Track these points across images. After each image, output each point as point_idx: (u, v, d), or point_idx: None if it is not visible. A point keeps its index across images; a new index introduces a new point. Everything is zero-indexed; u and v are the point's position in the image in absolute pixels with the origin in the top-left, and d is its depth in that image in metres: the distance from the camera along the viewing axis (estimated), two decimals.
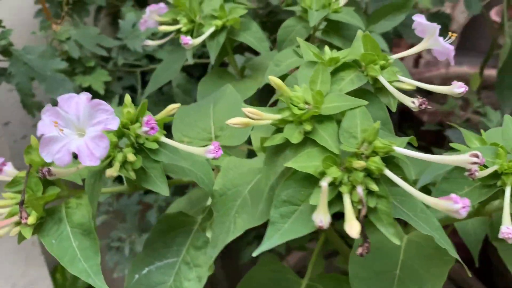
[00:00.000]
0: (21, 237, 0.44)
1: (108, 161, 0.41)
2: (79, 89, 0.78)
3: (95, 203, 0.44)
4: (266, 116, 0.38)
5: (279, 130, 0.39)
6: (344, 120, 0.38)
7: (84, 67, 0.82)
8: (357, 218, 0.34)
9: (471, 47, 1.28)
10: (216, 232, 0.47)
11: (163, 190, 0.42)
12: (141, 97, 0.93)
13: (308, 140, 0.38)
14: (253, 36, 0.66)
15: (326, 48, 0.48)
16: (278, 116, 0.38)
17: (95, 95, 0.88)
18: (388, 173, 0.35)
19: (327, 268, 0.92)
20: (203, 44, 0.65)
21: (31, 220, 0.44)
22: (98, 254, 0.44)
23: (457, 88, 0.40)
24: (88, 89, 0.81)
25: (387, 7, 0.73)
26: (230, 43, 0.71)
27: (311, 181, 0.37)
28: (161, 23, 0.80)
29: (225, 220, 0.47)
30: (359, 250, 0.35)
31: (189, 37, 0.61)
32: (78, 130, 0.36)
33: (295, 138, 0.37)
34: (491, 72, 1.12)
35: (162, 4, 0.79)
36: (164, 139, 0.43)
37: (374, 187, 0.35)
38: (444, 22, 1.06)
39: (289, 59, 0.65)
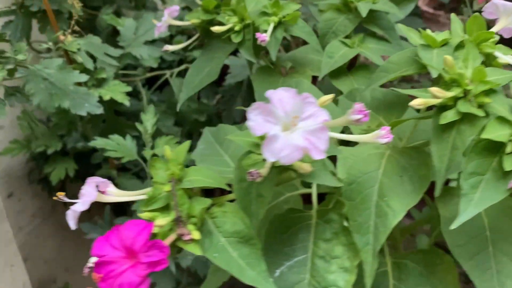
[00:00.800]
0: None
1: None
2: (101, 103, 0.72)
3: (260, 206, 0.42)
4: (442, 95, 0.39)
5: (442, 108, 0.41)
6: None
7: (96, 79, 0.76)
8: None
9: None
10: (361, 219, 0.47)
11: (332, 181, 0.42)
12: (148, 105, 0.89)
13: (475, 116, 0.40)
14: (303, 30, 0.67)
15: (427, 31, 0.51)
16: (450, 94, 0.40)
17: (120, 105, 0.82)
18: None
19: None
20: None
21: (196, 235, 0.40)
22: (261, 260, 0.42)
23: None
24: (112, 102, 0.75)
25: None
26: None
27: (491, 151, 0.40)
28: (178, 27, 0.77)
29: (367, 207, 0.48)
30: None
31: (265, 34, 0.60)
32: (284, 126, 0.35)
33: (477, 111, 0.39)
34: None
35: (176, 7, 0.76)
36: None
37: None
38: None
39: (340, 50, 0.67)
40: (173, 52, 0.99)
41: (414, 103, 0.39)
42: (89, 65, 0.73)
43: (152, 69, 0.92)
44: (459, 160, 0.40)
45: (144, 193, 0.45)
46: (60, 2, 0.79)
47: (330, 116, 0.34)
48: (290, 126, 0.35)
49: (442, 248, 0.63)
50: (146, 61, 0.91)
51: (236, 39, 0.65)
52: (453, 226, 0.39)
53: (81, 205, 0.42)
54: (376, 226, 0.46)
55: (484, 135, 0.38)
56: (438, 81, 0.46)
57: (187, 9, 1.12)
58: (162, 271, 0.81)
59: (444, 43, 0.49)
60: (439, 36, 0.49)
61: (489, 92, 0.40)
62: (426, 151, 0.50)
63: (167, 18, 0.77)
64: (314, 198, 0.55)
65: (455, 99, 0.40)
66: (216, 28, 0.64)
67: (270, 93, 0.34)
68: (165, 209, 0.43)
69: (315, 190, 0.55)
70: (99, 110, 0.70)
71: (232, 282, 0.57)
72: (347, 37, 0.69)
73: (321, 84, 0.73)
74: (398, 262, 0.62)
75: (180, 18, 0.79)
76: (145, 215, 0.42)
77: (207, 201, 0.42)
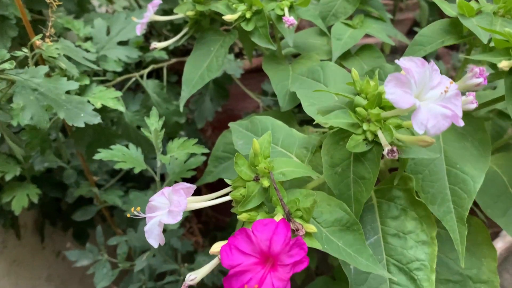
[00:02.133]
0: None
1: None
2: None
3: (365, 188, 0.40)
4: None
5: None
6: None
7: (79, 86, 0.67)
8: None
9: None
10: (434, 190, 0.48)
11: (428, 154, 0.41)
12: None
13: None
14: (310, 14, 0.65)
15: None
16: None
17: (109, 113, 0.74)
18: None
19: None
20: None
21: (312, 228, 0.37)
22: (365, 245, 0.41)
23: None
24: (103, 109, 0.67)
25: None
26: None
27: None
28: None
29: (438, 177, 0.48)
30: None
31: (292, 17, 0.57)
32: (416, 96, 0.33)
33: None
34: None
35: (158, 1, 0.71)
36: None
37: None
38: None
39: (346, 32, 0.67)
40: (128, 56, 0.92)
41: (502, 65, 0.40)
42: (74, 71, 0.65)
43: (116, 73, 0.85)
44: None
45: (226, 193, 0.41)
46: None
47: None
48: (420, 95, 0.33)
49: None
50: (109, 65, 0.83)
51: (248, 27, 0.61)
52: None
53: (171, 217, 0.37)
54: (454, 194, 0.47)
55: None
56: (483, 48, 0.48)
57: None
58: (175, 287, 0.75)
59: (478, 12, 0.51)
60: (473, 5, 0.51)
61: None
62: (474, 116, 0.52)
63: (151, 13, 0.71)
64: None
65: None
66: (228, 17, 0.60)
67: (402, 63, 0.32)
68: (259, 207, 0.40)
69: None
70: (96, 120, 0.62)
71: None
72: (347, 19, 0.69)
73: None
74: None
75: None
76: (243, 216, 0.38)
77: (312, 193, 0.39)
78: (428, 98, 0.33)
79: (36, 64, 0.65)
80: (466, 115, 0.52)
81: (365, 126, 0.38)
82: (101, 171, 0.90)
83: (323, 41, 0.71)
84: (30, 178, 0.86)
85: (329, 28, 0.69)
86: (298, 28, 0.76)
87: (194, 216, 1.17)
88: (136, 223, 0.87)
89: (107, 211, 0.89)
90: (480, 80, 0.38)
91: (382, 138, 0.37)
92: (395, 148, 0.35)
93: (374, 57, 0.68)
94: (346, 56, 0.68)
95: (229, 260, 0.32)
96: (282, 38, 0.71)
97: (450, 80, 0.34)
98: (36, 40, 0.63)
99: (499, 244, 1.15)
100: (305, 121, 0.81)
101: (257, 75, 1.05)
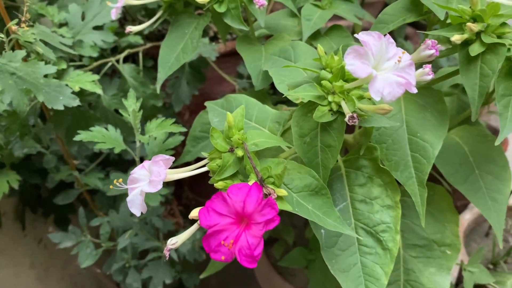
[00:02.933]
0: None
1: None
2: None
3: (331, 155, 0.43)
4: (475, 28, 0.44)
5: (465, 44, 0.47)
6: None
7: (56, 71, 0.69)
8: None
9: None
10: (397, 157, 0.51)
11: (388, 122, 0.45)
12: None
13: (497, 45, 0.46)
14: None
15: None
16: (477, 28, 0.45)
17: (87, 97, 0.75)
18: None
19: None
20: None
21: (283, 192, 0.41)
22: (333, 208, 0.44)
23: None
24: (81, 93, 0.69)
25: None
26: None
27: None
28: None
29: (400, 146, 0.52)
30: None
31: None
32: (373, 67, 0.36)
33: (501, 41, 0.45)
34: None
35: None
36: None
37: None
38: None
39: (316, 12, 0.70)
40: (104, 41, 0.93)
41: (455, 38, 0.44)
42: (51, 55, 0.66)
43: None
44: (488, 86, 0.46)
45: (203, 165, 0.44)
46: None
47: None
48: (378, 66, 0.36)
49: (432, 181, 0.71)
50: (85, 50, 0.84)
51: (220, 9, 0.64)
52: (497, 142, 0.45)
53: (151, 186, 0.39)
54: (415, 160, 0.50)
55: None
56: (441, 24, 0.52)
57: None
58: (158, 263, 0.78)
59: None
60: None
61: (504, 24, 0.46)
62: (434, 89, 0.55)
63: None
64: None
65: (477, 34, 0.46)
66: (201, 0, 0.63)
67: (360, 37, 0.35)
68: (234, 176, 0.43)
69: None
70: (75, 102, 0.64)
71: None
72: (316, 0, 0.72)
73: None
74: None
75: None
76: (219, 184, 0.41)
77: (282, 161, 0.42)
78: (384, 69, 0.37)
79: (13, 49, 0.66)
80: (427, 88, 0.56)
81: (330, 98, 0.41)
82: (80, 156, 0.91)
83: (294, 22, 0.74)
84: (9, 165, 0.87)
85: (299, 9, 0.72)
86: (271, 11, 0.78)
87: (175, 199, 1.19)
88: (118, 205, 0.89)
89: (88, 195, 0.91)
90: (432, 51, 0.42)
91: (345, 108, 0.40)
92: (355, 115, 0.39)
93: (343, 36, 0.71)
94: (316, 36, 0.71)
95: (207, 221, 0.35)
96: (255, 20, 0.73)
97: (403, 51, 0.37)
98: (12, 25, 0.64)
99: (467, 216, 1.21)
100: (280, 102, 0.85)
101: (233, 58, 1.07)
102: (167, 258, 0.40)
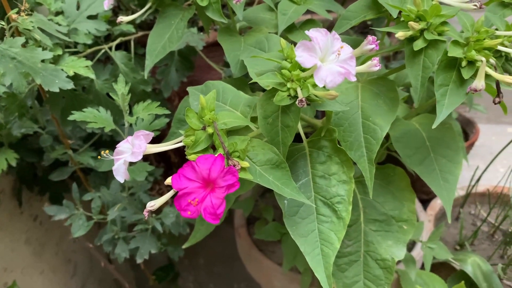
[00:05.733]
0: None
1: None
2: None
3: (289, 134, 0.50)
4: (416, 27, 0.51)
5: (410, 40, 0.54)
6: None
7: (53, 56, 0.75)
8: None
9: None
10: (352, 138, 0.59)
11: (340, 107, 0.51)
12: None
13: (438, 41, 0.53)
14: None
15: None
16: (419, 26, 0.52)
17: (82, 80, 0.82)
18: None
19: None
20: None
21: (246, 164, 0.48)
22: (291, 179, 0.51)
23: None
24: (76, 77, 0.75)
25: None
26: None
27: (451, 66, 0.53)
28: None
29: (355, 128, 0.59)
30: (496, 100, 0.53)
31: None
32: (320, 59, 0.43)
33: (440, 38, 0.52)
34: None
35: None
36: None
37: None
38: None
39: (291, 7, 0.76)
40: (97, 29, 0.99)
41: (399, 35, 0.51)
42: (48, 42, 0.73)
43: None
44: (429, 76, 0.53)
45: (179, 141, 0.51)
46: None
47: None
48: (324, 58, 0.43)
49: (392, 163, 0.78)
50: (80, 37, 0.90)
51: (202, 2, 0.70)
52: (434, 125, 0.52)
53: (133, 157, 0.46)
54: (367, 141, 0.58)
55: (449, 54, 0.50)
56: (396, 21, 0.58)
57: None
58: (144, 235, 0.85)
59: None
60: None
61: (444, 23, 0.53)
62: (388, 79, 0.63)
63: None
64: (302, 134, 0.65)
65: (421, 31, 0.53)
66: None
67: (309, 33, 0.42)
68: (206, 150, 0.50)
69: (301, 128, 0.65)
70: (69, 85, 0.71)
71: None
72: None
73: None
74: (361, 180, 0.76)
75: None
76: (192, 157, 0.48)
77: (247, 138, 0.49)
78: (329, 60, 0.43)
79: (13, 36, 0.72)
80: (383, 78, 0.63)
81: (289, 85, 0.48)
82: (75, 137, 0.98)
83: (272, 15, 0.80)
84: (8, 144, 0.93)
85: (277, 4, 0.79)
86: (259, 2, 0.85)
87: (164, 179, 1.26)
88: (109, 183, 0.96)
89: (82, 173, 0.97)
90: (372, 46, 0.49)
91: (300, 94, 0.47)
92: (303, 99, 0.46)
93: None
94: (291, 29, 0.77)
95: (178, 184, 0.42)
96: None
97: (342, 45, 0.44)
98: (12, 14, 0.70)
99: (439, 201, 1.29)
100: (258, 89, 0.91)
101: (220, 48, 1.13)
102: (146, 218, 0.47)
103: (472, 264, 1.00)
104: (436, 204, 1.28)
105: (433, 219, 1.22)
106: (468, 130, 1.44)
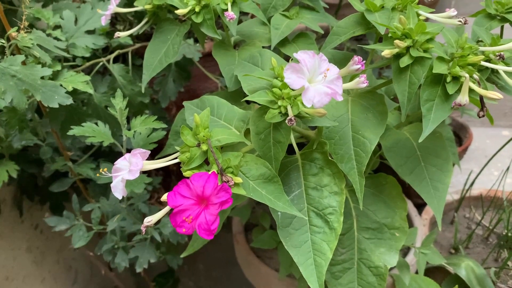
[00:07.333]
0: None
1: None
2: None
3: (281, 150, 0.52)
4: (401, 45, 0.53)
5: (397, 56, 0.56)
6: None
7: (52, 72, 0.77)
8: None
9: None
10: (342, 151, 0.61)
11: (329, 122, 0.53)
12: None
13: (424, 58, 0.55)
14: (251, 7, 0.76)
15: None
16: (404, 44, 0.54)
17: (78, 95, 0.84)
18: None
19: None
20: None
21: (239, 179, 0.50)
22: (283, 193, 0.53)
23: None
24: (75, 91, 0.77)
25: None
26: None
27: (436, 82, 0.55)
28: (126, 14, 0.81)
29: (345, 141, 0.61)
30: (480, 113, 0.55)
31: (232, 13, 0.68)
32: (308, 80, 0.45)
33: (425, 54, 0.54)
34: None
35: None
36: None
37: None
38: None
39: (284, 22, 0.79)
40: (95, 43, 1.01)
41: (385, 53, 0.53)
42: (47, 58, 0.74)
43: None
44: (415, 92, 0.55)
45: (175, 157, 0.53)
46: None
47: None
48: (312, 79, 0.45)
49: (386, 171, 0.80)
50: (78, 51, 0.92)
51: (197, 19, 0.72)
52: (420, 139, 0.54)
53: (130, 174, 0.48)
54: (357, 154, 0.60)
55: (434, 71, 0.52)
56: (385, 37, 0.60)
57: None
58: (143, 244, 0.87)
59: (382, 7, 0.63)
60: (377, 1, 0.63)
61: (429, 40, 0.55)
62: (378, 93, 0.64)
63: (114, 6, 0.80)
64: (295, 145, 0.67)
65: (407, 48, 0.55)
66: (180, 11, 0.71)
67: (297, 56, 0.44)
68: (200, 166, 0.51)
69: (293, 140, 0.67)
70: (69, 101, 0.72)
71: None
72: (285, 10, 0.81)
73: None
74: (354, 190, 0.77)
75: None
76: (187, 173, 0.50)
77: (240, 154, 0.51)
78: (317, 81, 0.45)
79: (13, 53, 0.74)
80: (372, 92, 0.65)
81: (280, 102, 0.50)
82: (74, 148, 1.00)
83: (266, 29, 0.82)
84: (9, 156, 0.95)
85: (270, 19, 0.81)
86: (250, 18, 0.87)
87: (162, 188, 1.28)
88: (108, 193, 0.98)
89: (81, 184, 0.99)
90: (358, 66, 0.51)
91: (290, 111, 0.49)
92: (292, 118, 0.48)
93: (308, 43, 0.79)
94: (284, 42, 0.79)
95: (173, 202, 0.44)
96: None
97: (328, 67, 0.46)
98: (12, 32, 0.72)
99: None
100: (254, 101, 0.93)
101: None
102: (143, 233, 0.49)
103: (466, 268, 1.01)
104: (430, 209, 1.30)
105: (428, 223, 1.24)
106: (461, 135, 1.46)
